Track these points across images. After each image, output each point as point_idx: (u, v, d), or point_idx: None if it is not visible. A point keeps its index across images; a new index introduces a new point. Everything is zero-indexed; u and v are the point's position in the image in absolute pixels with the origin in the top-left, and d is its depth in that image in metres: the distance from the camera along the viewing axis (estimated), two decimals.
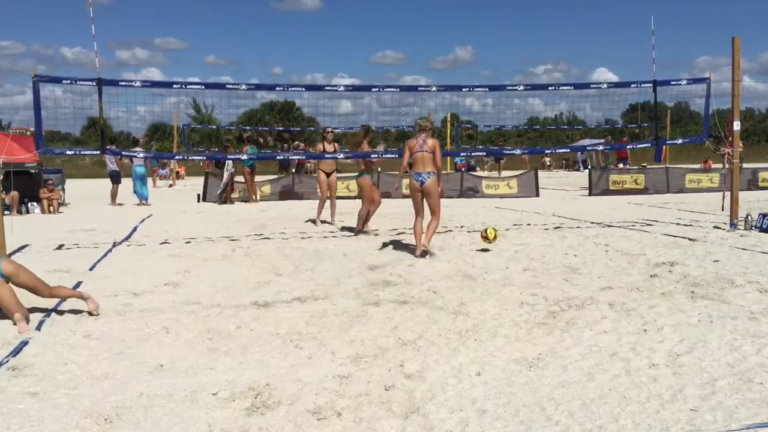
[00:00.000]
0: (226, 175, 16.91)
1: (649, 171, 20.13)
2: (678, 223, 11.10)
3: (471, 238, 9.82)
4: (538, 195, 18.17)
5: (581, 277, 6.85)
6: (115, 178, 17.19)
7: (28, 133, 17.49)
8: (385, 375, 4.11)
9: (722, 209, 12.03)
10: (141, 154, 15.25)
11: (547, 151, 25.87)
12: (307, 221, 12.34)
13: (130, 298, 6.19)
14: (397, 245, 9.19)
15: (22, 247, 9.26)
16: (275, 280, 7.04)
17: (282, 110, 49.34)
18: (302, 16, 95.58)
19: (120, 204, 16.93)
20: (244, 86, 10.12)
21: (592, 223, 11.39)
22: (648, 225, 10.96)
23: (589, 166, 25.79)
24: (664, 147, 22.59)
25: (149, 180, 19.91)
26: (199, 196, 18.00)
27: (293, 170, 25.09)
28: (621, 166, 24.30)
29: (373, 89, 10.50)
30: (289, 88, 10.94)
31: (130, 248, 9.38)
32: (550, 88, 11.56)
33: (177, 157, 29.57)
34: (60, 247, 9.56)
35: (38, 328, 5.17)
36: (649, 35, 10.85)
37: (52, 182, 15.48)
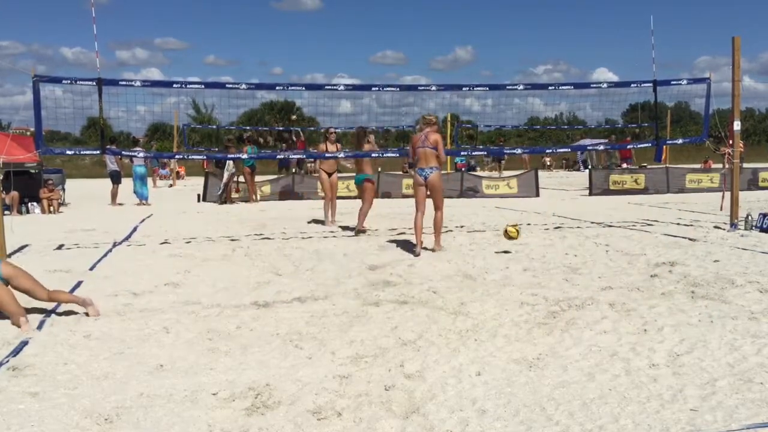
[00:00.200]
0: (226, 175, 16.91)
1: (649, 171, 20.13)
2: (678, 223, 11.10)
3: (471, 238, 9.82)
4: (538, 195, 18.17)
5: (581, 277, 6.85)
6: (116, 178, 17.19)
7: (28, 133, 17.48)
8: (385, 375, 4.11)
9: (721, 209, 12.03)
10: (141, 154, 15.26)
11: (547, 151, 25.86)
12: (310, 222, 12.34)
13: (130, 298, 6.19)
14: (397, 245, 9.19)
15: (22, 247, 9.27)
16: (275, 280, 7.04)
17: (282, 110, 49.34)
18: (302, 16, 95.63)
19: (120, 204, 16.93)
20: (244, 86, 10.12)
21: (592, 223, 11.39)
22: (648, 225, 10.96)
23: (590, 166, 25.80)
24: (664, 147, 22.61)
25: (149, 180, 19.91)
26: (199, 196, 18.00)
27: (294, 170, 25.10)
28: (625, 165, 24.35)
29: (373, 89, 10.49)
30: (289, 88, 10.94)
31: (130, 248, 9.38)
32: (550, 87, 11.54)
33: (177, 157, 29.54)
34: (60, 247, 9.56)
35: (39, 327, 5.18)
36: (649, 35, 10.87)
37: (52, 182, 15.48)
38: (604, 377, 3.97)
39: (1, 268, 5.36)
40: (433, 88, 10.59)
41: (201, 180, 19.77)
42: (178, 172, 30.71)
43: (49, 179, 15.55)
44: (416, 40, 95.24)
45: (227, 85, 10.45)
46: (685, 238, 9.30)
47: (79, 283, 6.79)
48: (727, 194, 10.81)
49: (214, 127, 37.17)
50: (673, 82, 10.69)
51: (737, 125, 9.99)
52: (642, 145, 16.42)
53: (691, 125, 43.71)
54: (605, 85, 11.04)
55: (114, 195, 17.07)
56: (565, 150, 26.36)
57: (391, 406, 3.63)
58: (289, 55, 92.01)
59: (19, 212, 14.34)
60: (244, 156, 15.21)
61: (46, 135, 10.37)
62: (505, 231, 8.68)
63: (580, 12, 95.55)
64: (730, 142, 10.45)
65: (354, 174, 11.53)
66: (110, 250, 9.08)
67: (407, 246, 9.04)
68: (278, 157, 26.78)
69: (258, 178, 18.08)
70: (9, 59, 74.05)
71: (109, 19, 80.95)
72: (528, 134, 46.56)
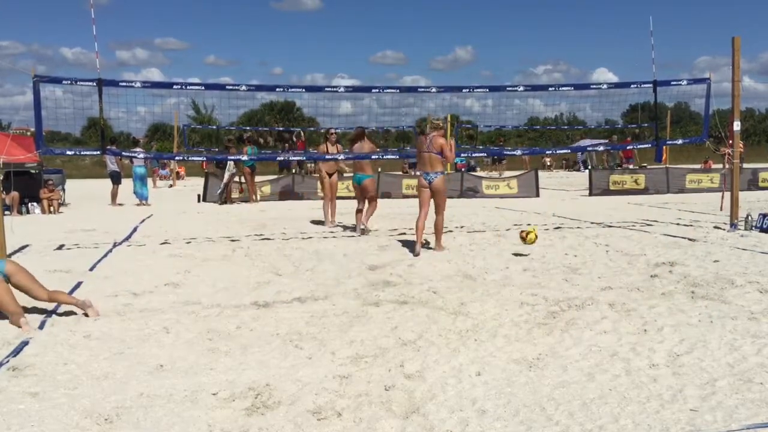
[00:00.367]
0: (227, 175, 16.91)
1: (649, 171, 20.13)
2: (678, 224, 11.10)
3: (471, 238, 9.83)
4: (538, 195, 18.17)
5: (581, 277, 6.85)
6: (116, 178, 17.20)
7: (29, 133, 17.48)
8: (385, 375, 4.11)
9: (721, 209, 12.03)
10: (141, 155, 15.26)
11: (547, 152, 25.83)
12: (313, 222, 12.33)
13: (130, 299, 6.19)
14: (397, 245, 9.19)
15: (23, 248, 9.27)
16: (275, 280, 7.04)
17: (282, 110, 49.35)
18: (302, 16, 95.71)
19: (120, 204, 16.93)
20: (244, 87, 10.12)
21: (592, 223, 11.39)
22: (648, 225, 10.96)
23: (590, 167, 25.80)
24: (664, 147, 22.61)
25: (149, 180, 19.91)
26: (199, 196, 18.01)
27: (294, 170, 25.10)
28: (631, 166, 24.39)
29: (373, 90, 10.50)
30: (290, 89, 10.92)
31: (131, 248, 9.38)
32: (550, 88, 11.53)
33: (177, 158, 29.54)
34: (60, 247, 9.56)
35: (40, 327, 5.18)
36: (649, 35, 10.86)
37: (53, 182, 15.48)
38: (604, 377, 3.97)
39: (5, 264, 5.37)
40: (434, 89, 10.59)
41: (201, 180, 19.78)
42: (178, 173, 30.71)
43: (49, 179, 15.55)
44: (416, 40, 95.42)
45: (227, 86, 10.46)
46: (685, 238, 9.30)
47: (79, 284, 6.79)
48: (727, 194, 10.81)
49: (214, 127, 37.17)
50: (673, 83, 10.70)
51: (737, 125, 9.99)
52: (642, 146, 16.41)
53: (691, 125, 43.72)
54: (605, 86, 11.05)
55: (114, 195, 17.07)
56: (565, 151, 26.31)
57: (391, 406, 3.63)
58: (289, 56, 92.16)
59: (19, 212, 14.34)
60: (244, 157, 15.21)
61: (47, 135, 10.37)
62: (524, 236, 8.37)
63: (580, 12, 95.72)
64: (730, 142, 10.46)
65: (350, 174, 11.61)
66: (110, 251, 9.08)
67: (407, 246, 9.04)
68: (278, 158, 26.80)
69: (258, 178, 18.08)
70: (9, 59, 74.14)
71: (109, 20, 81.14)
72: (528, 134, 46.57)
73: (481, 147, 30.22)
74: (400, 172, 21.86)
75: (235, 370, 4.24)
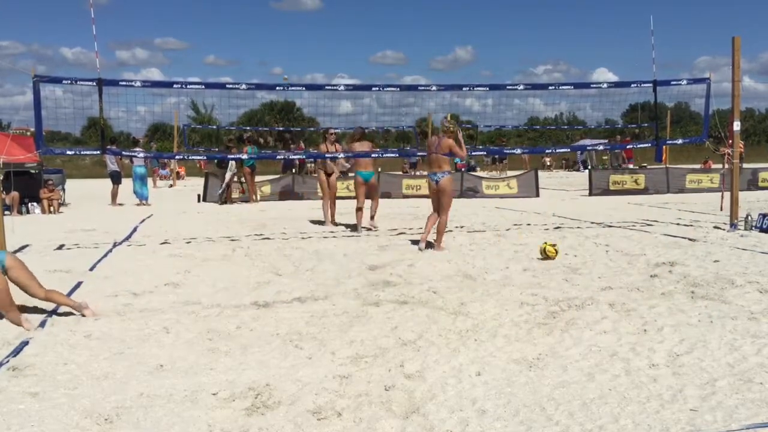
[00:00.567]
0: (228, 175, 16.90)
1: (649, 171, 20.12)
2: (678, 224, 11.10)
3: (471, 238, 9.83)
4: (538, 195, 18.17)
5: (581, 277, 6.85)
6: (116, 178, 17.19)
7: (28, 133, 17.48)
8: (385, 375, 4.11)
9: (721, 209, 12.03)
10: (141, 155, 15.26)
11: (547, 151, 25.86)
12: (313, 222, 12.33)
13: (130, 299, 6.19)
14: (397, 245, 9.19)
15: (23, 248, 9.26)
16: (275, 280, 7.04)
17: (282, 110, 49.35)
18: (302, 16, 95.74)
19: (120, 204, 16.93)
20: (244, 86, 10.12)
21: (592, 223, 11.39)
22: (648, 225, 10.96)
23: (589, 167, 25.80)
24: (664, 147, 22.60)
25: (149, 180, 19.91)
26: (199, 196, 18.01)
27: (293, 170, 25.10)
28: (631, 165, 24.40)
29: (374, 89, 10.49)
30: (290, 88, 10.93)
31: (131, 248, 9.38)
32: (550, 87, 11.54)
33: (177, 158, 29.55)
34: (60, 247, 9.56)
35: (41, 326, 5.18)
36: (649, 35, 10.86)
37: (53, 182, 15.48)
38: (604, 377, 3.97)
39: (5, 256, 5.36)
40: (434, 88, 10.59)
41: (201, 180, 19.77)
42: (178, 173, 30.71)
43: (49, 179, 15.55)
44: (416, 40, 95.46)
45: (227, 86, 10.45)
46: (684, 238, 9.30)
47: (79, 284, 6.79)
48: (727, 194, 10.81)
49: (214, 127, 37.17)
50: (673, 83, 10.69)
51: (737, 125, 9.99)
52: (642, 145, 16.39)
53: (691, 125, 43.73)
54: (605, 86, 11.03)
55: (114, 195, 17.07)
56: (565, 150, 26.33)
57: (391, 406, 3.63)
58: (289, 55, 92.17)
59: (19, 212, 14.33)
60: (244, 156, 15.21)
61: (47, 135, 10.37)
62: (543, 250, 7.93)
63: (580, 12, 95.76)
64: (730, 142, 10.45)
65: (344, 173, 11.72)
66: (110, 251, 9.08)
67: (407, 246, 9.05)
68: (278, 158, 26.80)
69: (258, 178, 18.08)
70: (9, 59, 74.13)
71: (109, 20, 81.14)
72: (528, 134, 46.58)
73: (481, 147, 30.18)
74: (400, 172, 21.84)
75: (235, 370, 4.24)
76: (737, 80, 9.90)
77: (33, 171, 15.32)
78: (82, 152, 18.76)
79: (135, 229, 11.45)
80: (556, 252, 7.95)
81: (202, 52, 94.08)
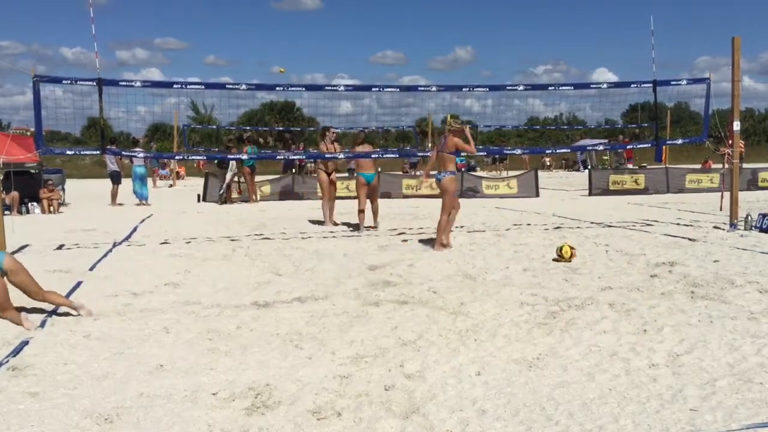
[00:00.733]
0: (228, 175, 16.89)
1: (649, 171, 20.12)
2: (678, 224, 11.10)
3: (471, 238, 9.83)
4: (538, 195, 18.17)
5: (581, 277, 6.85)
6: (116, 178, 17.18)
7: (28, 133, 17.46)
8: (385, 375, 4.11)
9: (721, 209, 12.03)
10: (141, 155, 15.26)
11: (547, 151, 25.86)
12: (313, 222, 12.33)
13: (130, 299, 6.19)
14: (397, 245, 9.19)
15: (23, 247, 9.26)
16: (275, 280, 7.04)
17: (282, 110, 49.34)
18: (302, 16, 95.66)
19: (120, 204, 16.93)
20: (244, 86, 10.12)
21: (592, 223, 11.39)
22: (648, 225, 10.96)
23: (589, 167, 25.80)
24: (664, 147, 22.60)
25: (149, 180, 19.90)
26: (199, 196, 18.00)
27: (293, 170, 25.10)
28: (629, 165, 24.42)
29: (374, 89, 10.50)
30: (290, 88, 10.92)
31: (130, 248, 9.38)
32: (550, 88, 11.54)
33: (177, 158, 29.54)
34: (60, 247, 9.56)
35: (41, 326, 5.18)
36: (649, 35, 10.86)
37: (52, 182, 15.47)
38: (604, 377, 3.97)
39: (4, 259, 5.36)
40: (434, 88, 10.59)
41: (201, 180, 19.76)
42: (178, 173, 30.70)
43: (49, 179, 15.54)
44: (416, 40, 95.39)
45: (227, 86, 10.46)
46: (684, 238, 9.30)
47: (79, 284, 6.79)
48: (727, 194, 10.81)
49: (214, 127, 37.19)
50: (672, 83, 10.69)
51: (737, 125, 9.99)
52: (642, 145, 16.38)
53: (691, 125, 43.74)
54: (605, 86, 11.03)
55: (114, 195, 17.06)
56: (565, 150, 26.34)
57: (391, 406, 3.63)
58: (289, 56, 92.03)
59: (19, 212, 14.33)
60: (244, 156, 15.21)
61: (47, 135, 10.37)
62: (560, 253, 7.74)
63: (580, 12, 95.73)
64: (730, 142, 10.45)
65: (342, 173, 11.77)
66: (110, 251, 9.08)
67: (407, 246, 9.05)
68: (278, 158, 26.79)
69: (258, 178, 18.08)
70: (9, 59, 74.06)
71: (109, 19, 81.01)
72: (528, 134, 46.59)
73: (481, 147, 30.16)
74: (401, 172, 21.84)
75: (235, 370, 4.24)
76: (737, 80, 9.90)
77: (33, 171, 15.31)
78: (82, 152, 18.75)
79: (135, 229, 11.45)
80: (572, 255, 7.72)
81: (202, 52, 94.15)
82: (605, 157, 28.98)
